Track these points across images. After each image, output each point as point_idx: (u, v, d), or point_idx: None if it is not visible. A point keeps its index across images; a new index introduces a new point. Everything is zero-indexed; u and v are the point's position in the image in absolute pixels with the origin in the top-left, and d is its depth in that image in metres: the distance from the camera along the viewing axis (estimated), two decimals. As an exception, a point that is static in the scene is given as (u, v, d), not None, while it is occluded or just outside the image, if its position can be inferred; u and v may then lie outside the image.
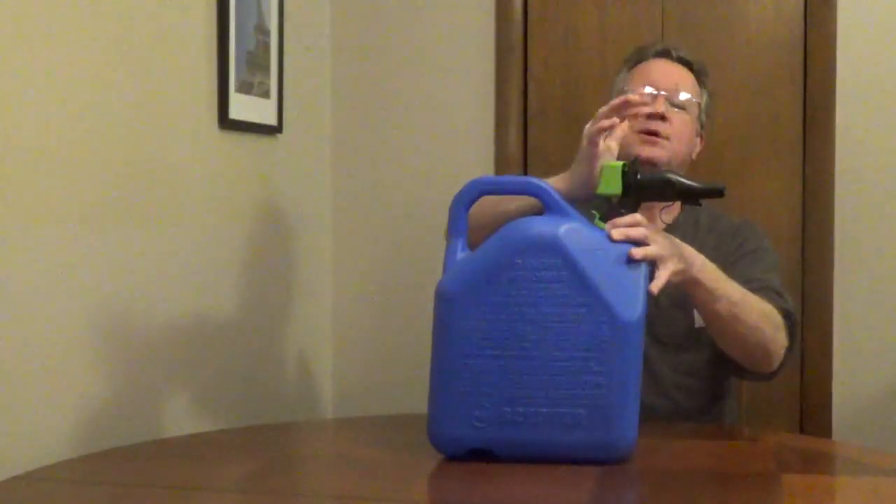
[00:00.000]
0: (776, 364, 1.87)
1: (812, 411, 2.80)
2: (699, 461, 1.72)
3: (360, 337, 3.04)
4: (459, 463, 1.62)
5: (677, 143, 2.02)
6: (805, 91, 2.80)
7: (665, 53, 2.10)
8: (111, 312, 2.06)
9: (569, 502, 1.50)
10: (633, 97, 1.81)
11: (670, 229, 1.96)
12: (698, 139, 2.11)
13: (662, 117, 2.00)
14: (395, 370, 2.99)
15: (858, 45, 2.74)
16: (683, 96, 2.04)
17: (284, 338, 2.80)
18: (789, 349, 1.87)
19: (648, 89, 2.03)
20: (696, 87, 2.09)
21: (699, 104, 2.08)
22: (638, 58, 2.12)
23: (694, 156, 2.11)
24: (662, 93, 2.03)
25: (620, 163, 1.73)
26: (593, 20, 2.91)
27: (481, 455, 1.62)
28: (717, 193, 1.74)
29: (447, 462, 1.63)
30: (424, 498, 1.58)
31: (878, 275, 2.75)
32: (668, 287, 1.69)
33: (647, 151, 1.98)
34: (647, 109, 1.96)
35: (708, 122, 2.14)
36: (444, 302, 1.62)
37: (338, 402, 3.05)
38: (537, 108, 2.95)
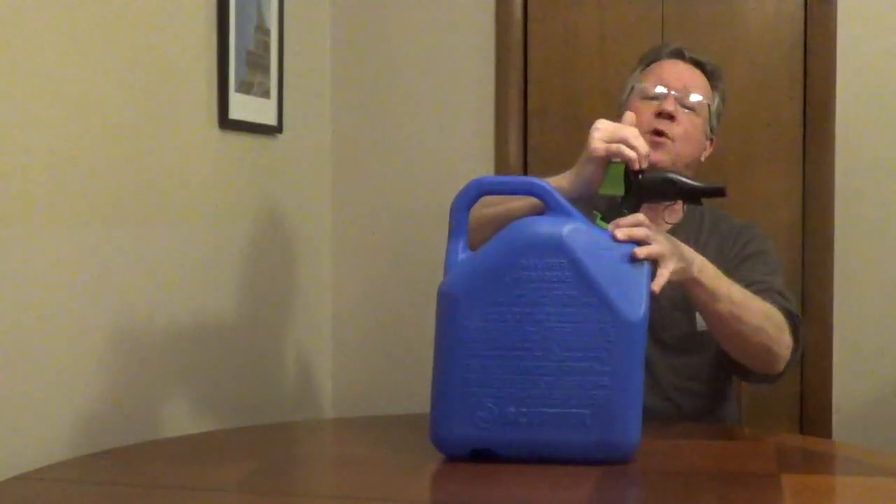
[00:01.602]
0: (782, 365, 1.86)
1: (812, 411, 2.80)
2: (699, 461, 1.72)
3: (360, 337, 3.04)
4: (460, 463, 1.62)
5: (683, 145, 2.01)
6: (805, 91, 2.80)
7: (678, 54, 2.08)
8: (111, 312, 2.06)
9: (570, 502, 1.49)
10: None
11: (674, 230, 1.95)
12: (708, 142, 2.09)
13: (671, 117, 1.99)
14: (395, 370, 2.99)
15: (858, 45, 2.75)
16: (694, 98, 2.02)
17: (284, 338, 2.80)
18: (794, 351, 1.86)
19: (660, 88, 2.02)
20: (708, 90, 2.07)
21: (709, 106, 2.06)
22: (652, 57, 2.11)
23: (703, 158, 2.09)
24: (673, 92, 2.02)
25: (623, 163, 1.72)
26: (593, 20, 2.91)
27: (482, 455, 1.61)
28: (719, 193, 1.74)
29: (447, 462, 1.63)
30: (425, 498, 1.58)
31: (879, 274, 2.75)
32: (670, 289, 1.69)
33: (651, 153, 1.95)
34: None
35: (719, 125, 2.12)
36: (448, 302, 1.61)
37: (338, 402, 3.05)
38: (537, 108, 2.94)
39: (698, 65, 2.08)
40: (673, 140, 1.98)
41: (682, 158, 2.00)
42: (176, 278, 2.27)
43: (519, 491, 1.51)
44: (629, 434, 1.59)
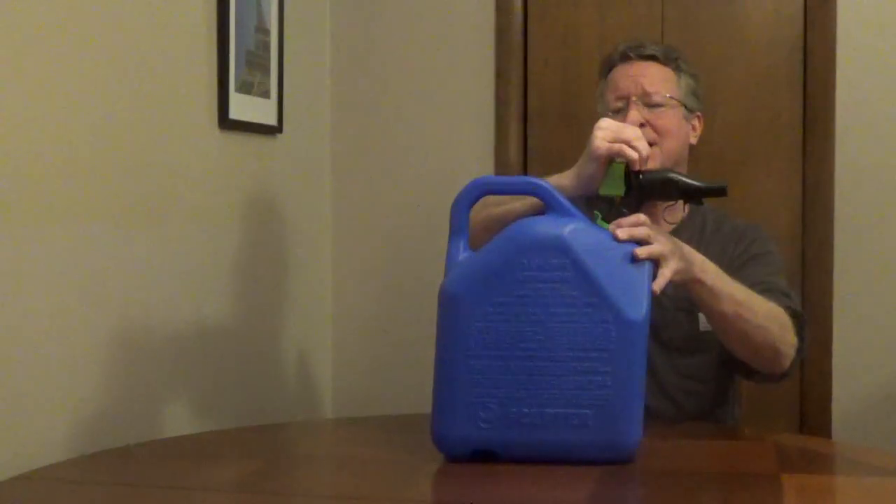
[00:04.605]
0: (786, 364, 1.85)
1: (812, 411, 2.80)
2: (699, 461, 1.72)
3: (360, 337, 3.04)
4: (460, 463, 1.62)
5: (667, 142, 1.99)
6: (805, 91, 2.80)
7: (626, 57, 2.05)
8: (111, 312, 2.06)
9: (571, 503, 1.49)
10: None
11: (676, 231, 1.94)
12: (691, 126, 2.07)
13: (641, 125, 1.96)
14: (395, 370, 2.99)
15: (858, 45, 2.75)
16: (656, 97, 2.00)
17: (284, 338, 2.80)
18: (799, 350, 1.86)
19: (619, 102, 2.01)
20: (669, 77, 2.03)
21: (677, 92, 2.03)
22: (607, 65, 2.08)
23: (694, 140, 2.08)
24: (633, 99, 2.00)
25: (623, 163, 1.72)
26: (593, 20, 2.91)
27: (483, 456, 1.61)
28: (720, 192, 1.74)
29: (447, 462, 1.63)
30: (426, 498, 1.58)
31: (878, 275, 2.75)
32: (672, 289, 1.69)
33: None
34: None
35: (699, 101, 2.08)
36: (449, 302, 1.61)
37: (338, 402, 3.05)
38: (537, 108, 2.94)
39: (650, 58, 2.04)
40: (654, 143, 1.96)
41: (671, 154, 1.99)
42: (175, 278, 2.27)
43: (520, 491, 1.51)
44: (630, 434, 1.59)
